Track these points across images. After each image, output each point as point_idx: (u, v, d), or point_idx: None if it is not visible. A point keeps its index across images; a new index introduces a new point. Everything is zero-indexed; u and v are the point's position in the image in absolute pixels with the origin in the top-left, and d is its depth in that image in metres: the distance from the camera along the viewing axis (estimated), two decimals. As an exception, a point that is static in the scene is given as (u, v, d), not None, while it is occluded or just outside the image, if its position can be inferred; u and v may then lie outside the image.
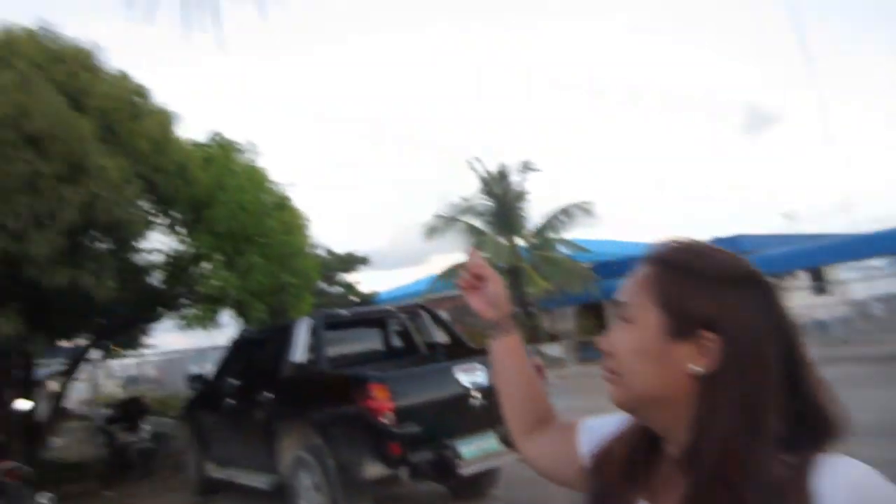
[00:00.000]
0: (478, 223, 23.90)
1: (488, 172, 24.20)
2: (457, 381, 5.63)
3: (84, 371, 15.44)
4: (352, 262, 30.22)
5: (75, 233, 8.78)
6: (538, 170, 25.00)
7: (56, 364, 11.80)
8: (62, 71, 11.15)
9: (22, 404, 9.25)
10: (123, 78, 12.44)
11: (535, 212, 30.08)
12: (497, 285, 1.31)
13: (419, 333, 7.62)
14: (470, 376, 5.69)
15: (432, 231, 23.40)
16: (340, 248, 31.14)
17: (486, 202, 23.96)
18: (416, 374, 5.83)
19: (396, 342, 7.75)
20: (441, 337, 7.44)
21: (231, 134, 21.98)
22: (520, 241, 23.63)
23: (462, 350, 6.75)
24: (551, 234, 23.42)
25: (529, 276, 21.98)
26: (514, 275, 21.76)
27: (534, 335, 22.42)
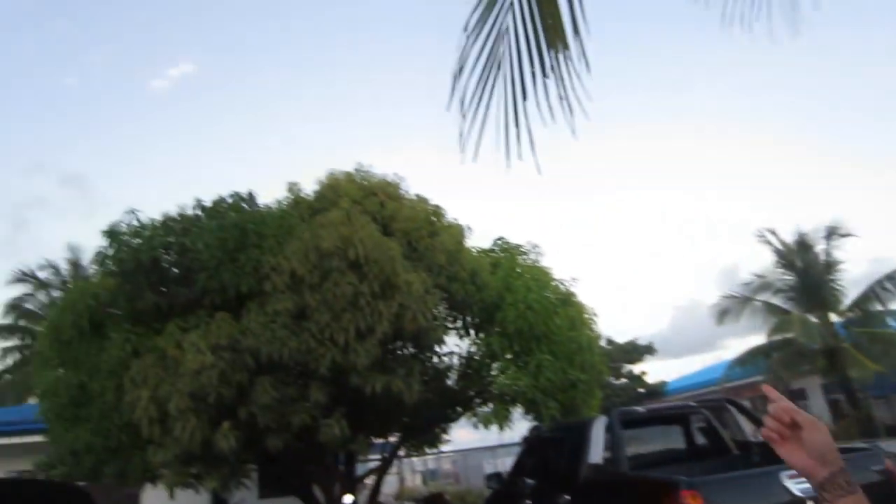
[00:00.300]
0: (777, 301, 21.54)
1: (784, 244, 21.80)
2: (787, 490, 4.79)
3: (392, 466, 16.97)
4: (636, 351, 29.08)
5: (387, 342, 9.96)
6: (850, 235, 21.77)
7: (371, 461, 13.05)
8: (374, 202, 13.06)
9: (347, 499, 10.34)
10: (422, 201, 14.08)
11: (851, 282, 26.06)
12: (817, 431, 1.08)
13: (727, 430, 6.91)
14: (802, 484, 4.80)
15: (723, 314, 21.61)
16: (620, 337, 30.19)
17: (785, 277, 21.50)
18: (733, 479, 5.11)
19: (700, 440, 7.13)
20: (751, 434, 6.69)
21: (513, 236, 23.34)
22: (835, 318, 20.56)
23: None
24: (876, 307, 19.95)
25: (852, 357, 18.83)
26: (831, 357, 18.90)
27: (866, 428, 18.85)
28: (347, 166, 19.71)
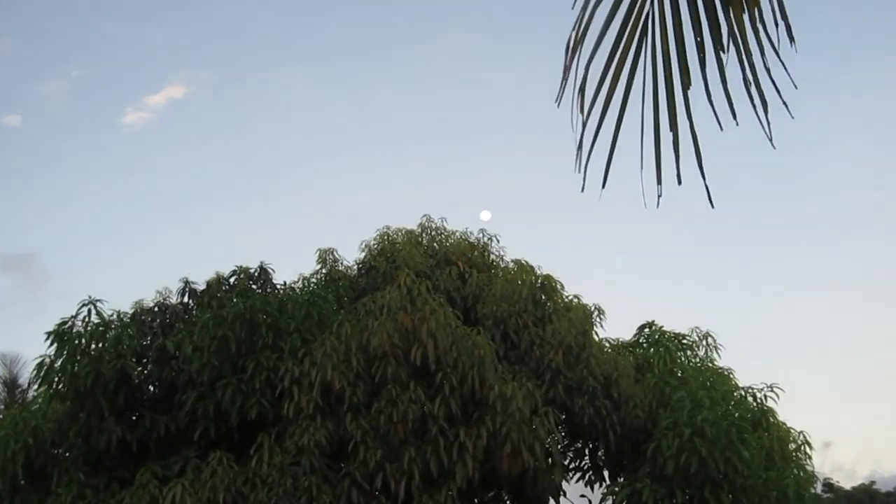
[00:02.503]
0: None
1: None
2: None
3: None
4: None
5: (474, 493, 9.78)
6: None
7: None
8: (451, 275, 13.14)
9: None
10: (524, 270, 14.12)
11: None
12: None
13: None
14: None
15: None
16: (849, 476, 28.72)
17: None
18: None
19: None
20: None
21: (670, 320, 22.92)
22: None
23: None
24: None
25: None
26: None
27: None
28: (409, 220, 20.04)
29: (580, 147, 3.06)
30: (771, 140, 2.97)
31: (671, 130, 3.05)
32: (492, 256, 20.56)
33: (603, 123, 3.04)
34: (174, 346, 15.95)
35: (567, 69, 3.05)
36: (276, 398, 15.01)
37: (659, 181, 3.03)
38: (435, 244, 20.47)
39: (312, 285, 18.86)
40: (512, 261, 19.68)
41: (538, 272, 18.66)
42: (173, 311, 17.98)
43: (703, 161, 2.99)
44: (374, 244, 20.25)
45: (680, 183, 3.03)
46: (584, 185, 3.15)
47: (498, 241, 20.74)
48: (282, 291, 17.91)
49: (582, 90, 3.01)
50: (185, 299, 18.16)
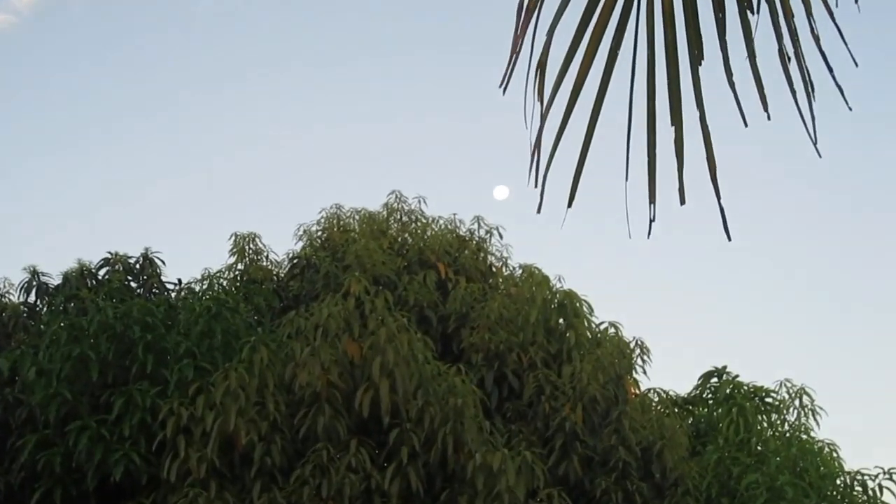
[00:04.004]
0: None
1: None
2: None
3: None
4: None
5: None
6: None
7: None
8: (425, 282, 13.07)
9: None
10: (534, 278, 14.13)
11: None
12: None
13: None
14: None
15: None
16: None
17: None
18: None
19: None
20: None
21: (745, 370, 22.85)
22: None
23: None
24: None
25: None
26: None
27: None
28: (366, 199, 19.99)
29: (536, 149, 2.97)
30: (815, 142, 2.91)
31: (672, 125, 2.98)
32: (490, 259, 20.36)
33: (571, 115, 2.96)
34: (8, 367, 15.89)
35: (519, 37, 2.95)
36: (153, 453, 14.94)
37: (652, 199, 2.98)
38: (407, 236, 20.29)
39: (219, 287, 18.75)
40: (520, 267, 19.46)
41: (556, 286, 18.50)
42: (12, 316, 17.90)
43: (719, 169, 2.93)
44: (316, 230, 20.12)
45: (683, 202, 2.98)
46: (540, 203, 3.11)
47: (501, 235, 20.56)
48: (174, 294, 17.84)
49: (541, 67, 2.92)
50: (31, 298, 18.09)
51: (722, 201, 2.87)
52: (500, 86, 2.90)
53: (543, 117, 2.85)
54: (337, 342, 14.73)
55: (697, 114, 2.83)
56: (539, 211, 2.98)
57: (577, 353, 17.02)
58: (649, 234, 2.89)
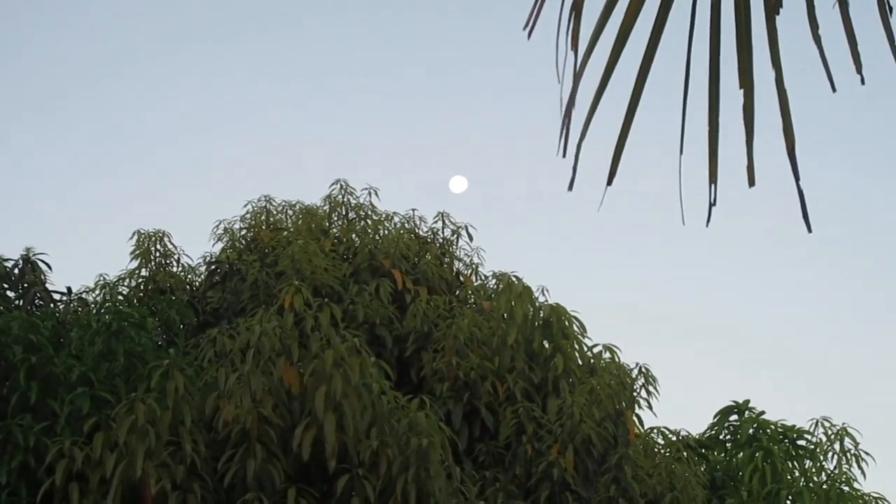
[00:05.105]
0: None
1: None
2: None
3: None
4: None
5: None
6: None
7: None
8: (378, 296, 13.24)
9: None
10: (513, 290, 14.33)
11: None
12: None
13: None
14: None
15: None
16: None
17: None
18: None
19: None
20: None
21: (772, 406, 23.11)
22: None
23: None
24: None
25: None
26: None
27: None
28: (303, 191, 20.07)
29: (569, 112, 3.06)
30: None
31: (741, 88, 3.08)
32: (458, 264, 20.44)
33: (613, 73, 3.05)
34: None
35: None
36: (39, 503, 14.94)
37: (712, 178, 3.06)
38: (354, 236, 20.30)
39: (119, 298, 18.75)
40: (494, 275, 19.56)
41: (540, 299, 18.61)
42: None
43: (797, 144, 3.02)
44: (240, 228, 20.16)
45: (752, 184, 3.06)
46: (572, 179, 3.20)
47: (470, 236, 20.63)
48: (62, 307, 17.85)
49: (577, 9, 3.02)
50: None
51: (801, 183, 2.94)
52: (525, 28, 2.96)
53: (579, 73, 2.91)
54: (271, 367, 14.76)
55: (772, 74, 2.90)
56: (571, 188, 3.03)
57: (566, 382, 17.11)
58: (708, 221, 2.95)
